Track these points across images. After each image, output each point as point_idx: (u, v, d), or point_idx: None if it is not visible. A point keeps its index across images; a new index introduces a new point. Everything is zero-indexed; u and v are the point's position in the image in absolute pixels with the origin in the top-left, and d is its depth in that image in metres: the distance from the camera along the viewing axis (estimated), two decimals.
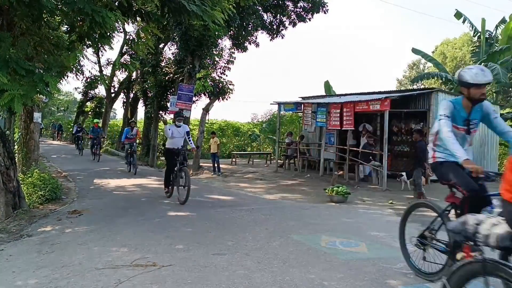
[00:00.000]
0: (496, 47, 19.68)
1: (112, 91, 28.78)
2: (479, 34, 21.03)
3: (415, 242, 3.96)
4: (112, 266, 4.21)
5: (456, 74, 3.64)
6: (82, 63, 23.78)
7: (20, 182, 8.28)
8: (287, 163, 16.86)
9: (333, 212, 7.77)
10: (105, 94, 30.24)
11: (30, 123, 11.54)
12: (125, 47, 23.57)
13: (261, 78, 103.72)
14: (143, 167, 17.67)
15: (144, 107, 25.90)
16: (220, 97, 18.59)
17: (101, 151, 19.80)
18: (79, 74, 23.98)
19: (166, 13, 7.58)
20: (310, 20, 17.06)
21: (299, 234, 5.60)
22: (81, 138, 22.12)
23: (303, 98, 17.46)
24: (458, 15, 20.69)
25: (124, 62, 18.16)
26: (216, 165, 15.22)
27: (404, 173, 11.70)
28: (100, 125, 31.21)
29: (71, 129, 36.05)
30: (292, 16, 17.02)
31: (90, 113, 35.27)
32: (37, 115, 11.72)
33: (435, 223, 3.85)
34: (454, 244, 3.40)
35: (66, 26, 7.95)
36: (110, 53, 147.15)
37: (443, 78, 19.94)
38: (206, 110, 17.63)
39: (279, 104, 16.22)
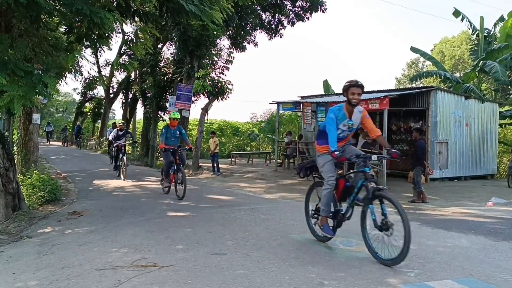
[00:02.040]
0: (495, 45, 19.71)
1: (111, 91, 28.79)
2: (477, 32, 21.05)
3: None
4: (112, 267, 4.21)
5: None
6: (80, 64, 23.63)
7: (20, 183, 8.27)
8: (286, 163, 16.86)
9: None
10: (104, 95, 30.25)
11: (29, 124, 11.53)
12: (123, 48, 23.71)
13: (260, 78, 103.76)
14: (143, 167, 17.66)
15: (143, 107, 25.90)
16: (219, 97, 18.59)
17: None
18: (77, 75, 23.76)
19: (164, 13, 7.58)
20: (308, 19, 17.11)
21: (299, 233, 5.60)
22: (122, 150, 12.87)
23: (302, 97, 17.47)
24: (456, 13, 20.71)
25: (123, 62, 18.16)
26: (215, 165, 15.22)
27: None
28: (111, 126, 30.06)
29: (71, 130, 34.91)
30: (290, 16, 17.04)
31: (89, 114, 35.23)
32: (36, 116, 11.70)
33: None
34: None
35: (64, 27, 7.95)
36: (109, 54, 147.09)
37: (442, 77, 19.97)
38: (205, 110, 17.63)
39: (278, 103, 16.22)
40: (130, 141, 14.71)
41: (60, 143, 33.67)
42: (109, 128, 19.34)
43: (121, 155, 12.77)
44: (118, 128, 14.00)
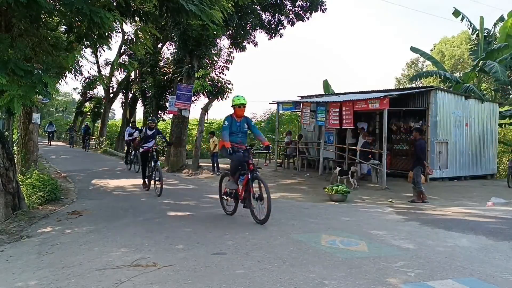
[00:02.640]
0: (495, 45, 19.70)
1: (110, 91, 28.75)
2: (477, 32, 21.04)
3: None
4: (112, 267, 4.21)
5: None
6: (80, 64, 23.49)
7: (20, 183, 8.27)
8: (286, 162, 16.85)
9: (333, 211, 7.77)
10: (103, 95, 30.20)
11: (29, 124, 11.53)
12: (123, 47, 23.71)
13: (260, 78, 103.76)
14: None
15: (142, 107, 25.90)
16: (219, 97, 18.58)
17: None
18: (77, 74, 23.78)
19: (164, 13, 7.58)
20: (308, 19, 17.09)
21: (299, 233, 5.60)
22: (154, 156, 9.81)
23: (302, 97, 17.46)
24: (456, 13, 20.70)
25: (123, 62, 18.18)
26: (215, 164, 15.21)
27: (338, 168, 12.10)
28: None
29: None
30: (290, 15, 17.03)
31: (88, 113, 35.20)
32: (35, 116, 11.71)
33: None
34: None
35: (64, 27, 7.94)
36: (109, 54, 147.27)
37: (442, 76, 19.97)
38: (205, 110, 17.61)
39: (278, 103, 16.22)
40: (163, 144, 11.37)
41: (61, 143, 33.46)
42: (128, 128, 16.15)
43: (152, 162, 9.64)
44: (147, 126, 10.65)
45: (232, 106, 6.61)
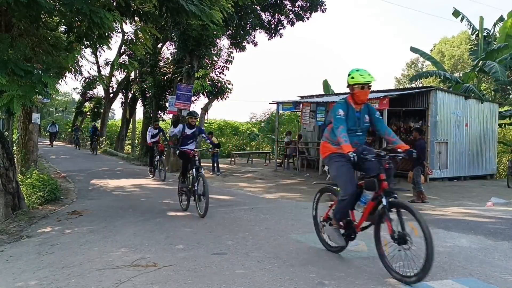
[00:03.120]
0: (494, 45, 19.72)
1: (110, 91, 28.75)
2: (477, 32, 21.06)
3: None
4: (112, 267, 4.21)
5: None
6: (80, 64, 23.47)
7: (19, 183, 8.27)
8: (286, 162, 16.87)
9: None
10: (103, 95, 30.21)
11: (28, 124, 11.53)
12: (123, 47, 23.73)
13: (260, 78, 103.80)
14: (142, 167, 17.62)
15: (142, 107, 25.89)
16: (219, 97, 18.62)
17: None
18: (77, 74, 23.79)
19: (164, 13, 7.57)
20: (308, 19, 17.11)
21: (299, 233, 5.60)
22: (196, 161, 7.17)
23: (302, 97, 17.48)
24: (456, 13, 20.71)
25: (123, 62, 18.17)
26: (215, 164, 15.22)
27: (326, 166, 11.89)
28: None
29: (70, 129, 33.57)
30: (290, 15, 17.05)
31: (88, 113, 35.23)
32: (35, 116, 11.71)
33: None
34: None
35: (64, 27, 7.94)
36: (109, 53, 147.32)
37: (441, 77, 19.98)
38: (205, 109, 17.64)
39: (277, 103, 16.23)
40: (208, 146, 8.81)
41: (61, 143, 33.28)
42: (150, 129, 13.60)
43: (193, 170, 7.10)
44: (187, 123, 7.73)
45: (348, 86, 4.18)
